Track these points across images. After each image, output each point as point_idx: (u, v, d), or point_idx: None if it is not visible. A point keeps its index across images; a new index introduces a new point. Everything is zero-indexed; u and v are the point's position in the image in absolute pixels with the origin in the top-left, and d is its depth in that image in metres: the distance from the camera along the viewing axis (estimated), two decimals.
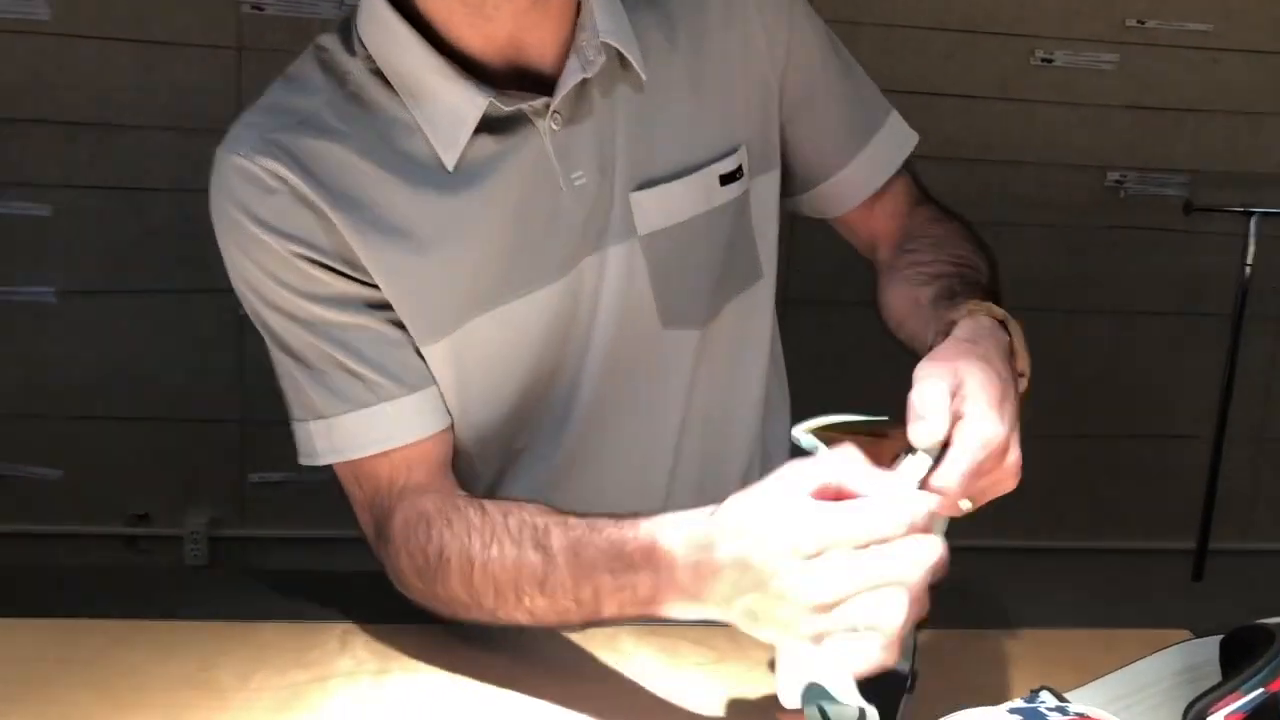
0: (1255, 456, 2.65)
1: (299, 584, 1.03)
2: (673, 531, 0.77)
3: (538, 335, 0.97)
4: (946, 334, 0.86)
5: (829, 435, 0.77)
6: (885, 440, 0.78)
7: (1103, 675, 0.83)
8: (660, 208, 0.98)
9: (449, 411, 0.97)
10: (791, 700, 0.71)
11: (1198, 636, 0.90)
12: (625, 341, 1.00)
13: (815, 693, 0.70)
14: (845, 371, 2.08)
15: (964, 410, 0.76)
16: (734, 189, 1.02)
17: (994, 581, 1.05)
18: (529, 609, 0.84)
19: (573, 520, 0.84)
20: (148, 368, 2.49)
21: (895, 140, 1.11)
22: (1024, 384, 0.86)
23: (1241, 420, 2.41)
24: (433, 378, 0.95)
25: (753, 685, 0.87)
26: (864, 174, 1.09)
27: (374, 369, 0.93)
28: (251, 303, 0.94)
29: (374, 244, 0.91)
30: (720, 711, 0.85)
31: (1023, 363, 0.87)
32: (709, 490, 1.07)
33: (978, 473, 0.76)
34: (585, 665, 0.90)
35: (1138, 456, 2.62)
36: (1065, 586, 1.10)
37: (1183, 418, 2.59)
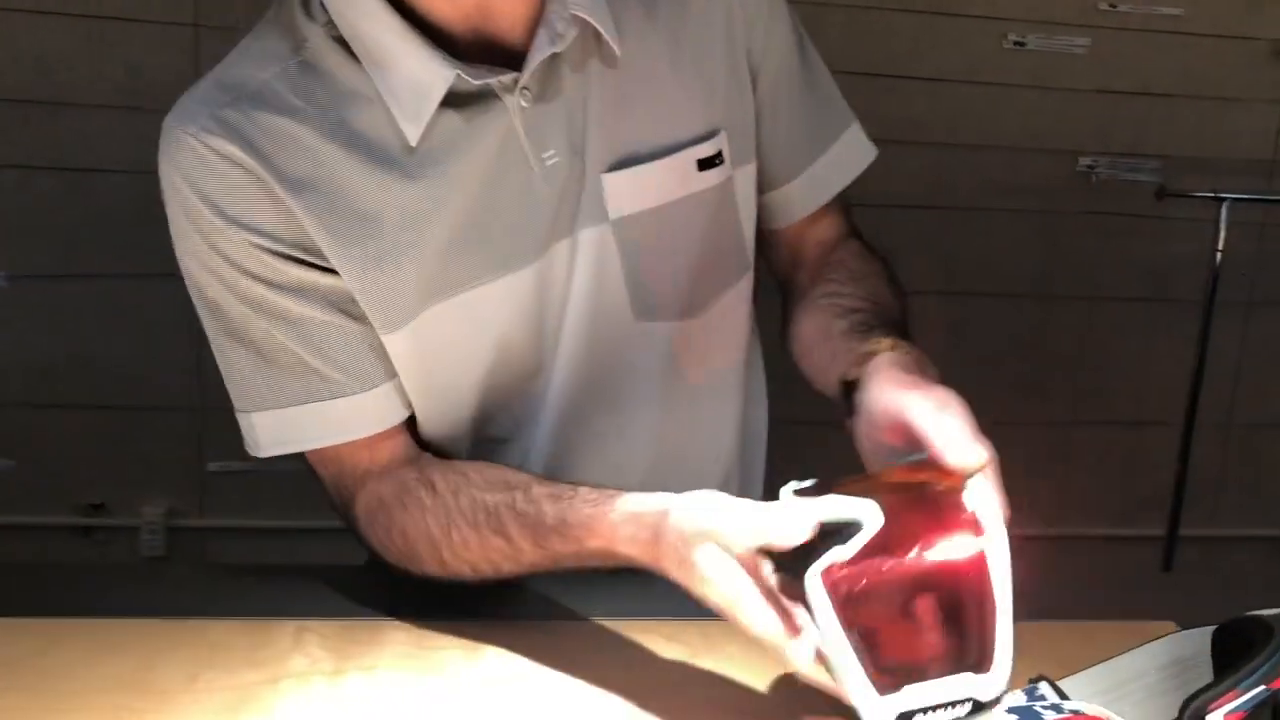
0: (1224, 443, 2.65)
1: (253, 577, 0.99)
2: (623, 528, 0.78)
3: (505, 323, 0.93)
4: (861, 365, 0.84)
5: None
6: (879, 486, 0.74)
7: (1086, 667, 0.80)
8: (633, 191, 0.94)
9: (409, 404, 0.93)
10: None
11: (1184, 628, 0.88)
12: (597, 333, 0.96)
13: None
14: None
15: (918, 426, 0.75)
16: (713, 176, 0.98)
17: None
18: (507, 574, 0.87)
19: (519, 503, 0.84)
20: (101, 354, 2.43)
21: (851, 154, 1.07)
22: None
23: (1211, 406, 2.40)
24: (393, 371, 0.91)
25: (727, 682, 0.84)
26: (814, 187, 1.05)
27: (332, 365, 0.89)
28: (201, 282, 0.89)
29: (333, 229, 0.86)
30: (695, 708, 0.82)
31: None
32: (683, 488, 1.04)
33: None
34: (551, 661, 0.86)
35: (1107, 443, 2.62)
36: (1034, 575, 1.06)
37: (1152, 404, 2.58)
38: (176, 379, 2.31)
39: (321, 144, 0.86)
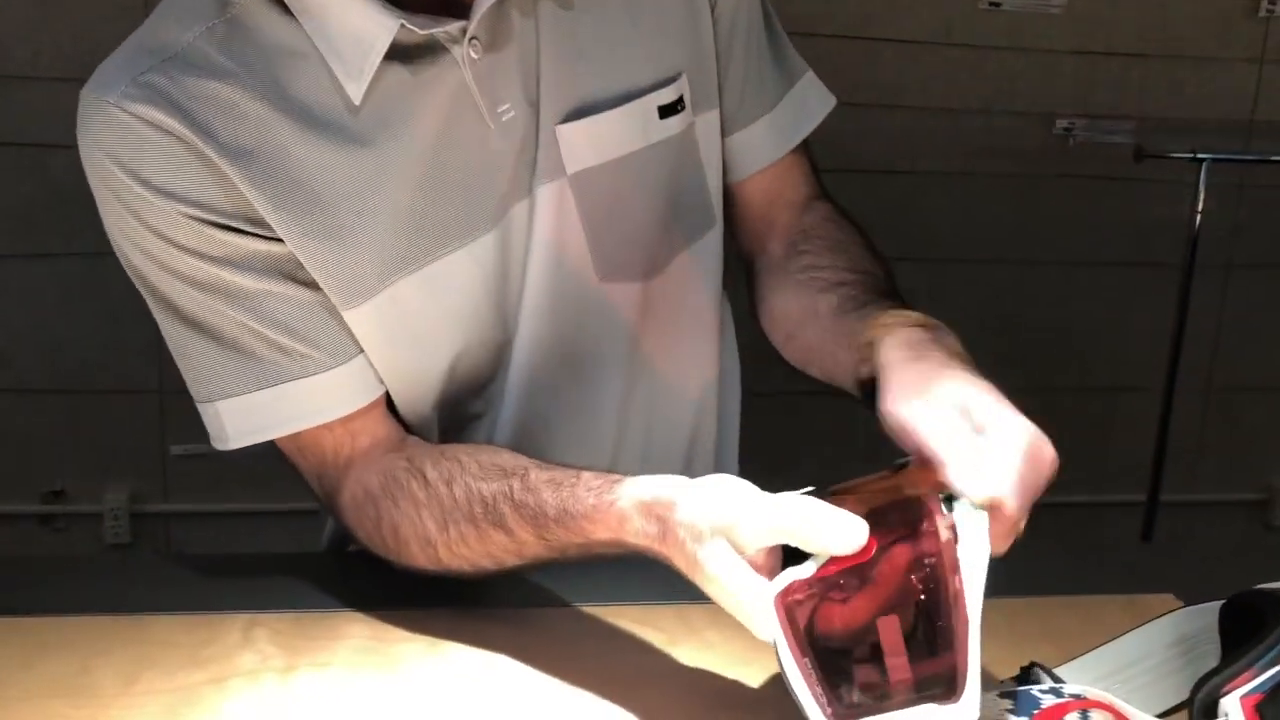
0: (1204, 407, 2.62)
1: (202, 567, 0.93)
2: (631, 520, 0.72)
3: (470, 295, 0.87)
4: (868, 360, 0.77)
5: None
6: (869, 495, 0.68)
7: (1086, 650, 0.76)
8: (591, 142, 0.88)
9: (382, 380, 0.88)
10: None
11: (1177, 598, 0.84)
12: (561, 297, 0.90)
13: None
14: None
15: (983, 425, 0.67)
16: (675, 124, 0.92)
17: None
18: (511, 568, 0.81)
19: (517, 492, 0.77)
20: (58, 335, 2.37)
21: (812, 99, 1.00)
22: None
23: (1190, 371, 2.38)
24: (360, 344, 0.85)
25: (706, 669, 0.79)
26: (777, 133, 0.98)
27: (296, 338, 0.83)
28: (140, 267, 0.82)
29: (276, 198, 0.80)
30: (673, 699, 0.77)
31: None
32: (655, 459, 0.99)
33: (1030, 485, 0.66)
34: (519, 653, 0.81)
35: (1085, 410, 2.59)
36: (1015, 544, 1.02)
37: (1131, 369, 2.56)
38: (136, 361, 2.24)
39: (256, 107, 0.79)
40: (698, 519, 0.67)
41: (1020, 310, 2.52)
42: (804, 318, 0.90)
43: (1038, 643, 0.79)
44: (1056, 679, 0.72)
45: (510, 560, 0.80)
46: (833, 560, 0.62)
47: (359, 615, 0.86)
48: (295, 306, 0.82)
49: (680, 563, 0.68)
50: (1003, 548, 0.65)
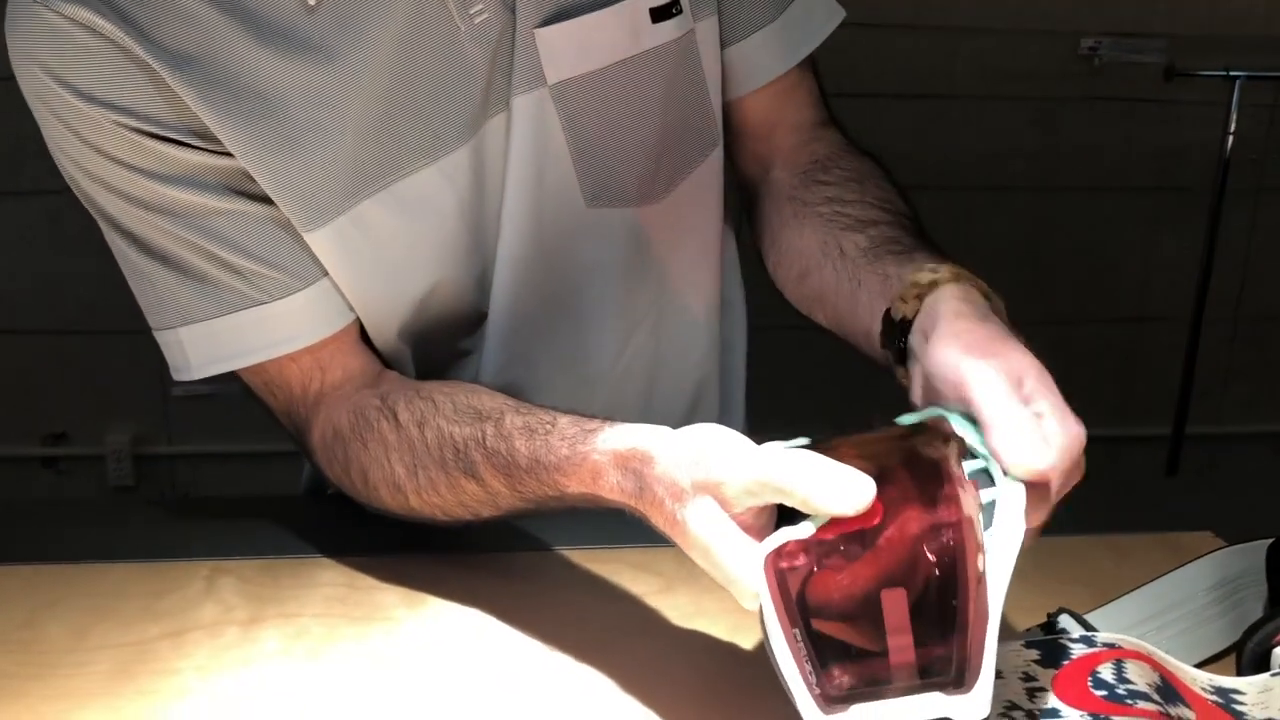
0: (1231, 337, 2.55)
1: (168, 510, 0.87)
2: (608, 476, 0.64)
3: (442, 218, 0.80)
4: (917, 299, 0.68)
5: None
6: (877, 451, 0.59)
7: (1119, 593, 0.69)
8: (574, 48, 0.79)
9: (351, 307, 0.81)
10: None
11: (1227, 542, 0.77)
12: (544, 223, 0.82)
13: None
14: None
15: (1038, 408, 0.60)
16: (670, 29, 0.83)
17: None
18: (487, 518, 0.74)
19: (490, 439, 0.70)
20: (54, 275, 2.32)
21: (818, 12, 0.90)
22: (1000, 303, 0.70)
23: (1219, 299, 2.30)
24: (324, 268, 0.79)
25: (702, 614, 0.73)
26: (781, 45, 0.88)
27: (255, 260, 0.76)
28: (85, 188, 0.75)
29: (225, 110, 0.72)
30: (669, 642, 0.71)
31: None
32: (656, 403, 0.93)
33: (1069, 479, 0.59)
34: (502, 601, 0.75)
35: (1110, 340, 2.52)
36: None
37: (1158, 298, 2.48)
38: (134, 300, 2.18)
39: (200, 8, 0.71)
40: (678, 475, 0.59)
41: (1043, 239, 2.44)
42: (823, 256, 0.80)
43: (1067, 585, 0.73)
44: (1088, 627, 0.65)
45: (485, 510, 0.73)
46: (833, 522, 0.54)
47: (332, 562, 0.80)
48: (250, 224, 0.75)
49: (659, 521, 0.61)
50: (1034, 525, 0.58)
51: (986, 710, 0.49)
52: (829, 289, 0.79)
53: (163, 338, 0.80)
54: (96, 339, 2.36)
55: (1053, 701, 0.63)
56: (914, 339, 0.67)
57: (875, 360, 0.73)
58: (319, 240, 0.77)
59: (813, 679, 0.50)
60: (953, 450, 0.57)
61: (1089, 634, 0.64)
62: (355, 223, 0.77)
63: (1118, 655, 0.63)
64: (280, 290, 0.77)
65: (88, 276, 2.34)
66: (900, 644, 0.50)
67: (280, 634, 0.71)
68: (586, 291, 0.86)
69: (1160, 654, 0.60)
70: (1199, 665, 0.65)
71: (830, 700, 0.50)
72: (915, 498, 0.54)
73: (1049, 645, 0.63)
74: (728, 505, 0.57)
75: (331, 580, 0.78)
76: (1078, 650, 0.64)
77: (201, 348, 0.78)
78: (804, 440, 0.59)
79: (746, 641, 0.70)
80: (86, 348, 2.39)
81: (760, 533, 0.57)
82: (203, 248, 0.75)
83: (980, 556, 0.52)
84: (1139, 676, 0.62)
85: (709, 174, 0.89)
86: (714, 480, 0.57)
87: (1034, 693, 0.63)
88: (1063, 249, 2.46)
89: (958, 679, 0.49)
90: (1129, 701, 0.63)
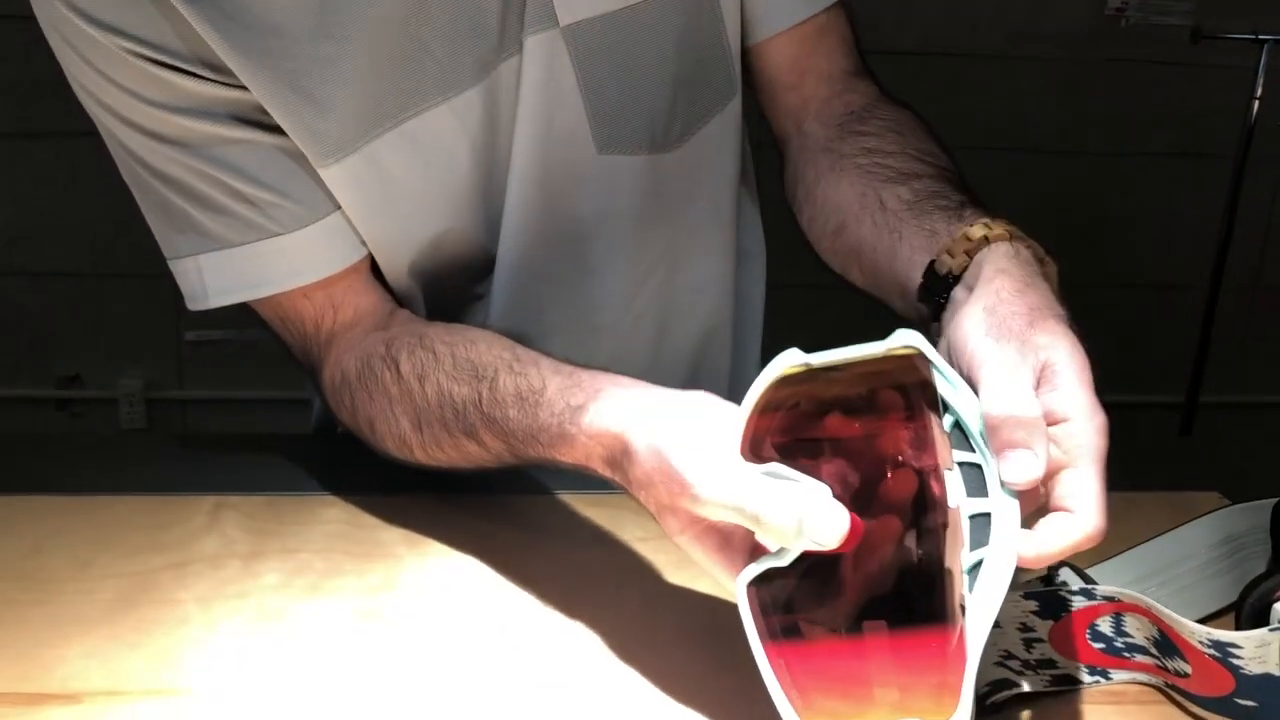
0: (1250, 306, 2.52)
1: (173, 447, 0.87)
2: (594, 442, 0.63)
3: (454, 159, 0.79)
4: (965, 253, 0.65)
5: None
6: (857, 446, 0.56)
7: (1123, 548, 0.69)
8: None
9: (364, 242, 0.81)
10: None
11: (1224, 495, 0.77)
12: (554, 170, 0.82)
13: None
14: None
15: (1059, 411, 0.55)
16: None
17: None
18: (495, 470, 0.73)
19: (485, 403, 0.69)
20: (69, 218, 2.32)
21: None
22: (1053, 268, 0.67)
23: (1238, 268, 2.28)
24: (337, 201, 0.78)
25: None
26: None
27: (268, 190, 0.75)
28: (100, 118, 0.75)
29: (237, 43, 0.71)
30: (664, 587, 0.71)
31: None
32: (666, 357, 0.92)
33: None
34: (504, 542, 0.75)
35: (1129, 307, 2.49)
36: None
37: (1178, 265, 2.46)
38: (149, 244, 2.18)
39: None
40: (656, 482, 0.57)
41: (1063, 202, 2.41)
42: (861, 209, 0.77)
43: None
44: (1088, 580, 0.65)
45: (490, 465, 0.73)
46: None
47: (336, 499, 0.80)
48: (262, 154, 0.75)
49: (648, 508, 0.60)
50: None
51: None
52: (867, 243, 0.76)
53: (178, 266, 0.80)
54: (111, 282, 2.36)
55: (1050, 653, 0.63)
56: (957, 294, 0.64)
57: (909, 320, 0.69)
58: (332, 177, 0.76)
59: (799, 703, 0.50)
60: (942, 444, 0.53)
61: (1089, 587, 0.63)
62: (368, 161, 0.76)
63: (1117, 609, 0.62)
64: (294, 221, 0.77)
65: (103, 219, 2.35)
66: (883, 671, 0.50)
67: (280, 568, 0.72)
68: (596, 241, 0.86)
69: (1159, 607, 0.59)
70: (1200, 621, 0.64)
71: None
72: (897, 512, 0.53)
73: (1048, 597, 0.63)
74: (699, 523, 0.57)
75: (334, 518, 0.78)
76: (1077, 603, 0.64)
77: (217, 276, 0.78)
78: (795, 356, 0.56)
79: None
80: (101, 291, 2.40)
81: (742, 540, 0.56)
82: (216, 178, 0.75)
83: (958, 587, 0.51)
84: (1137, 630, 0.62)
85: (725, 126, 0.88)
86: (683, 500, 0.55)
87: (1031, 643, 0.63)
88: (1082, 213, 2.43)
89: (937, 695, 0.48)
90: (1126, 655, 0.63)
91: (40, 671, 0.61)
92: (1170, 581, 0.67)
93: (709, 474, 0.55)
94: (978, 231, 0.66)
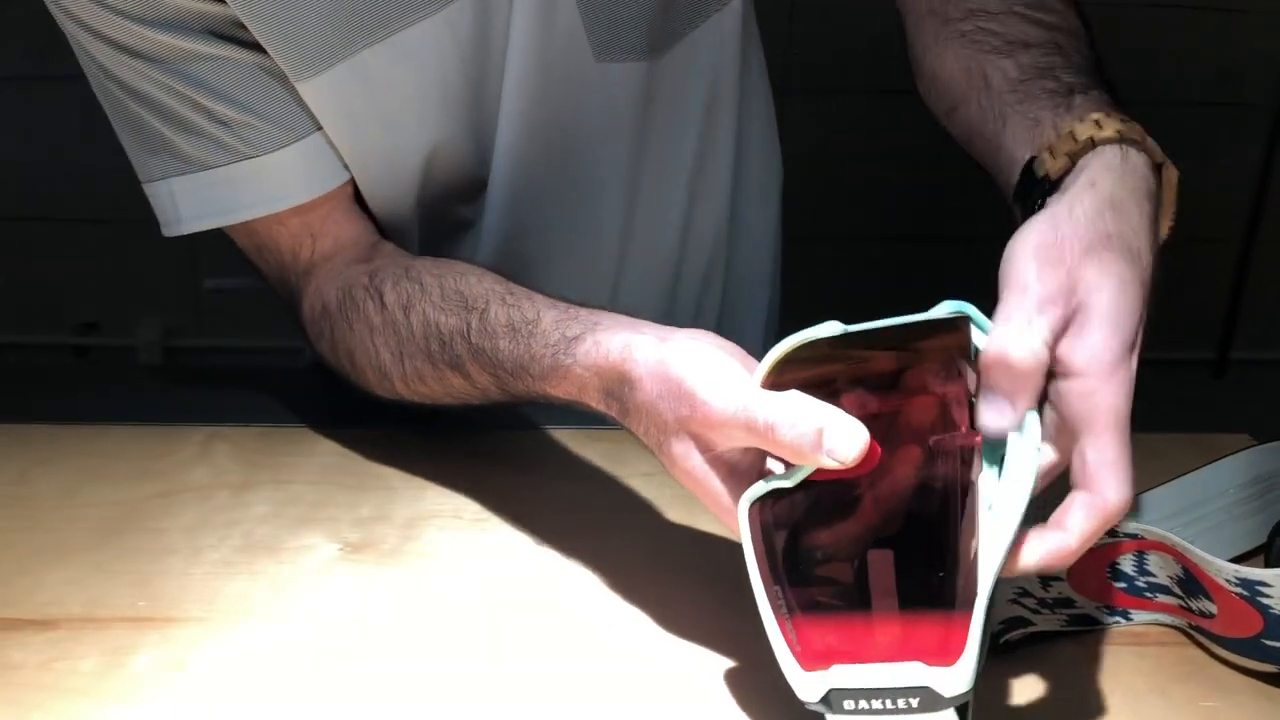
0: None
1: (166, 378, 0.85)
2: (590, 375, 0.59)
3: (443, 71, 0.76)
4: (1066, 158, 0.58)
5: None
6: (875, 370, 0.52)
7: (1151, 487, 0.66)
8: None
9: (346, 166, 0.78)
10: None
11: (1261, 442, 0.73)
12: (550, 80, 0.78)
13: None
14: (846, 167, 1.88)
15: (1074, 364, 0.50)
16: None
17: None
18: (478, 407, 0.69)
19: (474, 334, 0.66)
20: (87, 163, 2.29)
21: None
22: (1173, 173, 0.60)
23: (1274, 222, 2.22)
24: (318, 122, 0.75)
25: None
26: None
27: (242, 110, 0.72)
28: (71, 31, 0.72)
29: None
30: (664, 522, 0.68)
31: (1166, 226, 0.60)
32: (669, 281, 0.89)
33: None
34: (499, 476, 0.73)
35: (1158, 260, 2.44)
36: None
37: (1211, 218, 2.39)
38: None
39: None
40: (660, 406, 0.54)
41: None
42: (969, 88, 0.68)
43: None
44: None
45: (474, 402, 0.69)
46: (823, 470, 0.48)
47: (332, 432, 0.78)
48: (236, 72, 0.72)
49: (647, 443, 0.57)
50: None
51: (969, 685, 0.45)
52: (975, 130, 0.67)
53: (152, 189, 0.77)
54: (129, 229, 2.32)
55: (1068, 592, 0.60)
56: (1052, 203, 0.56)
57: None
58: (315, 90, 0.73)
59: (793, 636, 0.47)
60: (962, 384, 0.50)
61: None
62: (353, 72, 0.73)
63: (1140, 546, 0.59)
64: (269, 144, 0.74)
65: (122, 166, 2.33)
66: (885, 607, 0.47)
67: (271, 498, 0.70)
68: (592, 157, 0.82)
69: (1184, 544, 0.56)
70: (1231, 560, 0.61)
71: (811, 657, 0.47)
72: (916, 444, 0.49)
73: None
74: (711, 444, 0.53)
75: (329, 450, 0.76)
76: (1099, 539, 0.61)
77: (191, 201, 0.76)
78: (834, 327, 0.54)
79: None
80: (119, 238, 2.38)
81: (749, 470, 0.53)
82: (189, 96, 0.72)
83: (977, 521, 0.47)
84: (1161, 569, 0.59)
85: (725, 25, 0.84)
86: (694, 419, 0.52)
87: (1048, 582, 0.60)
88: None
89: (942, 645, 0.45)
90: (1149, 595, 0.60)
91: (18, 597, 0.59)
92: (1197, 521, 0.64)
93: (721, 388, 0.51)
94: (1084, 131, 0.57)
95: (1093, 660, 0.58)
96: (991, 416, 0.49)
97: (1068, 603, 0.60)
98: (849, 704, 0.46)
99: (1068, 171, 0.58)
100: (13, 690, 0.53)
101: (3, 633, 0.56)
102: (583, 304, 0.63)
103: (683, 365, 0.53)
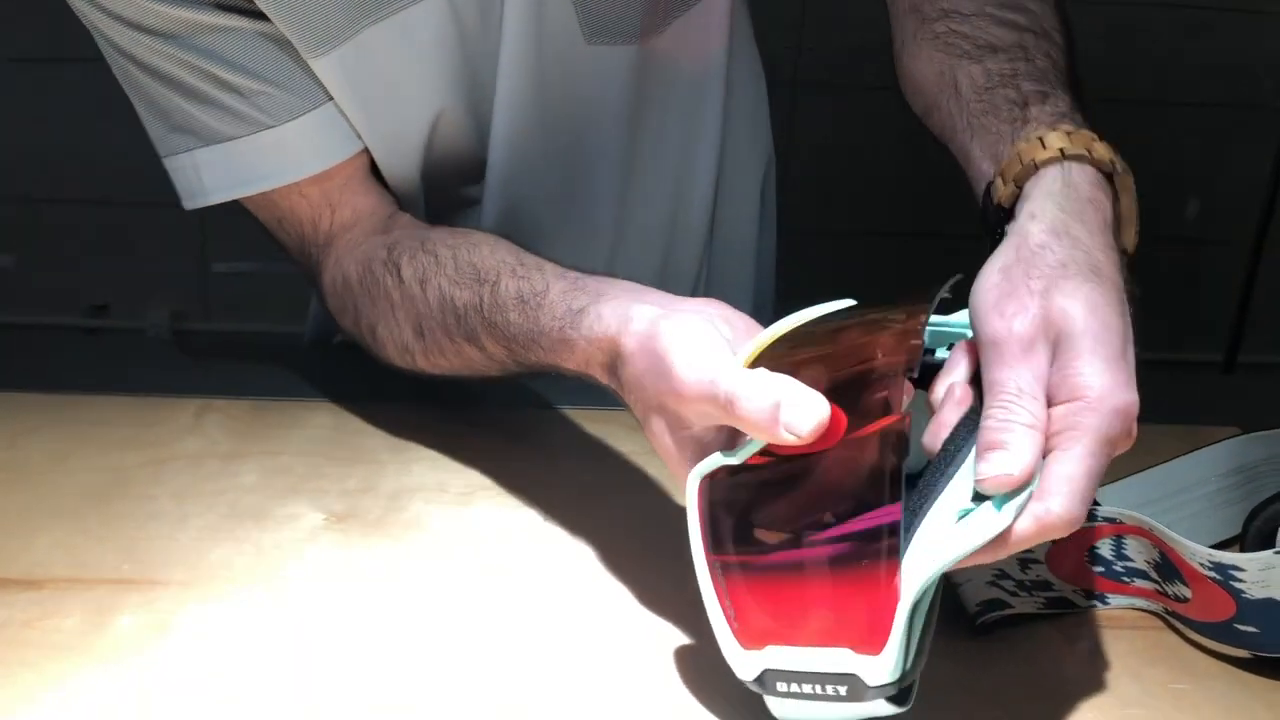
0: None
1: (162, 350, 0.86)
2: (591, 346, 0.59)
3: (443, 50, 0.76)
4: (1014, 184, 0.58)
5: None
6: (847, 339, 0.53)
7: (1133, 473, 0.66)
8: None
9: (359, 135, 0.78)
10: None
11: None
12: (544, 64, 0.79)
13: None
14: (857, 163, 1.88)
15: (1060, 395, 0.49)
16: None
17: None
18: (499, 380, 0.70)
19: (487, 307, 0.66)
20: (99, 145, 2.30)
21: None
22: (1127, 179, 0.59)
23: None
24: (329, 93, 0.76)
25: None
26: None
27: (257, 79, 0.73)
28: (85, 13, 0.73)
29: None
30: (652, 498, 0.69)
31: (1131, 235, 0.59)
32: (666, 257, 0.90)
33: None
34: (489, 454, 0.73)
35: (1168, 261, 2.43)
36: None
37: (1221, 220, 2.39)
38: None
39: None
40: (644, 382, 0.54)
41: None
42: (940, 93, 0.67)
43: None
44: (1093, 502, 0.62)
45: (493, 373, 0.70)
46: (775, 446, 0.49)
47: (325, 405, 0.79)
48: (247, 41, 0.73)
49: (637, 418, 0.57)
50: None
51: (893, 677, 0.45)
52: (948, 136, 0.66)
53: (173, 163, 0.78)
54: (140, 212, 2.35)
55: (1046, 575, 0.60)
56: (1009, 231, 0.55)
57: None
58: (322, 67, 0.74)
59: (732, 614, 0.48)
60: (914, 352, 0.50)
61: (1091, 508, 0.61)
62: (358, 49, 0.74)
63: (1117, 530, 0.60)
64: (285, 112, 0.74)
65: (133, 147, 2.33)
66: (822, 591, 0.46)
67: (260, 468, 0.70)
68: (586, 139, 0.83)
69: (1160, 528, 0.57)
70: (1213, 547, 0.62)
71: (749, 636, 0.47)
72: (872, 424, 0.48)
73: None
74: (682, 424, 0.53)
75: (320, 423, 0.77)
76: None
77: (215, 172, 0.76)
78: (847, 303, 0.54)
79: None
80: (129, 220, 2.39)
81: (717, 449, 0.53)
82: (203, 69, 0.73)
83: (925, 512, 0.47)
84: (1138, 554, 0.59)
85: (713, 14, 0.84)
86: (670, 394, 0.52)
87: (1027, 564, 0.60)
88: (1124, 162, 2.37)
89: (869, 638, 0.45)
90: (1126, 580, 0.60)
91: (5, 558, 0.60)
92: (1181, 507, 0.64)
93: (694, 362, 0.52)
94: (1029, 152, 0.57)
95: (1067, 643, 0.58)
96: (988, 468, 0.47)
97: (1045, 585, 0.60)
98: (781, 686, 0.47)
99: (1018, 198, 0.57)
100: None
101: None
102: (592, 273, 0.63)
103: (668, 338, 0.53)
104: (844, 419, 0.48)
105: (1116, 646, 0.58)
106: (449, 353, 0.70)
